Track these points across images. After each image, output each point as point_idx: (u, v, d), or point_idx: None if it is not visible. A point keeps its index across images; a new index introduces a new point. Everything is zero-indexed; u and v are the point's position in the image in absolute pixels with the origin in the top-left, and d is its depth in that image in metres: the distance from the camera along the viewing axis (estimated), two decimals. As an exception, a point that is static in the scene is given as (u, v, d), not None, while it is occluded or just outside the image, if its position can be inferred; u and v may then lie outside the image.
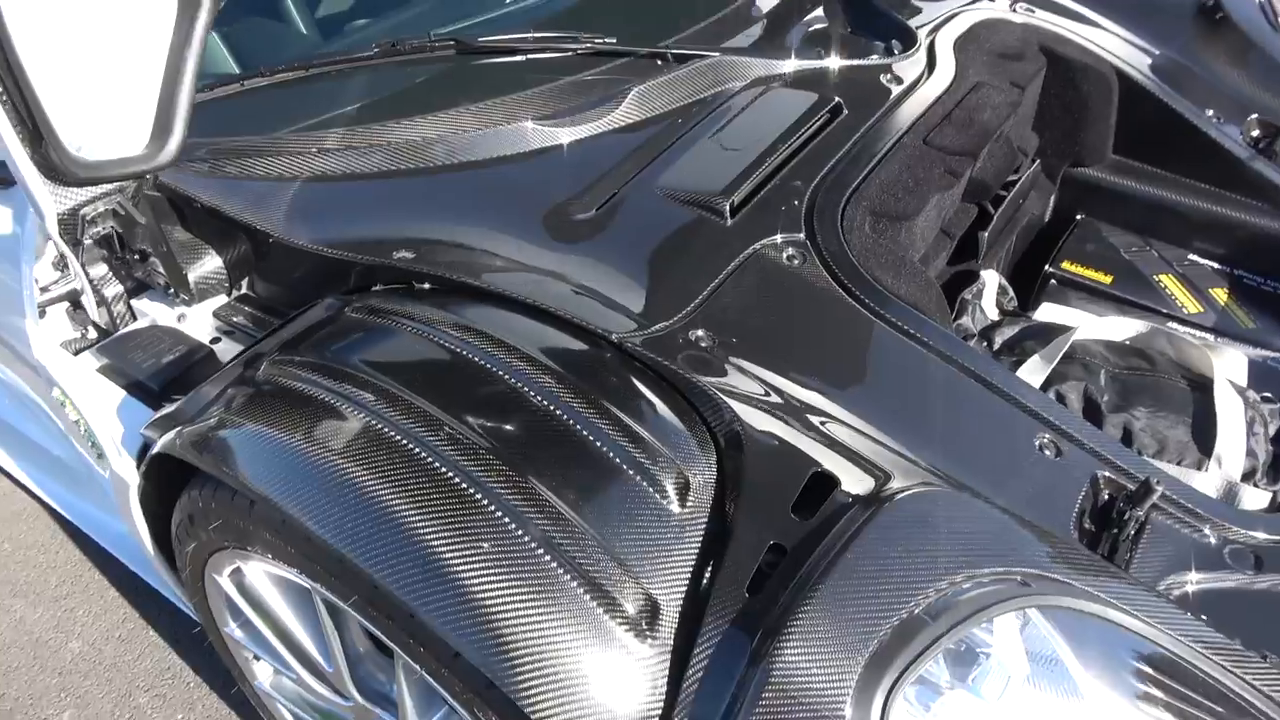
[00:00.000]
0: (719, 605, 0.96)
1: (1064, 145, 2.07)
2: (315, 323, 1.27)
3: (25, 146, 0.99)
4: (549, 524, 0.98)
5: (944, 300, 1.42)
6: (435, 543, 0.96)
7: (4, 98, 0.94)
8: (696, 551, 1.02)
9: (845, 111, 1.67)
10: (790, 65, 1.77)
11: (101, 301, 1.53)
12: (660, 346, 1.20)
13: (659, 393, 1.16)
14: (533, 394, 1.09)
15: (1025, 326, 1.63)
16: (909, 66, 1.83)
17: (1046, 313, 1.76)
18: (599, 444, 1.05)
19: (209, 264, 1.51)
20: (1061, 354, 1.51)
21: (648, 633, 0.95)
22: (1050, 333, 1.59)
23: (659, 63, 1.70)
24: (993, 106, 1.73)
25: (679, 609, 0.98)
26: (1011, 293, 1.76)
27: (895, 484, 1.07)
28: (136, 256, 1.46)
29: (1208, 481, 1.34)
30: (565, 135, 1.56)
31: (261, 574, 1.28)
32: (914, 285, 1.37)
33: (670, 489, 1.04)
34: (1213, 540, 1.21)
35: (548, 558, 0.96)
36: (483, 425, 1.05)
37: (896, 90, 1.75)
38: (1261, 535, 1.22)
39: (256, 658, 1.51)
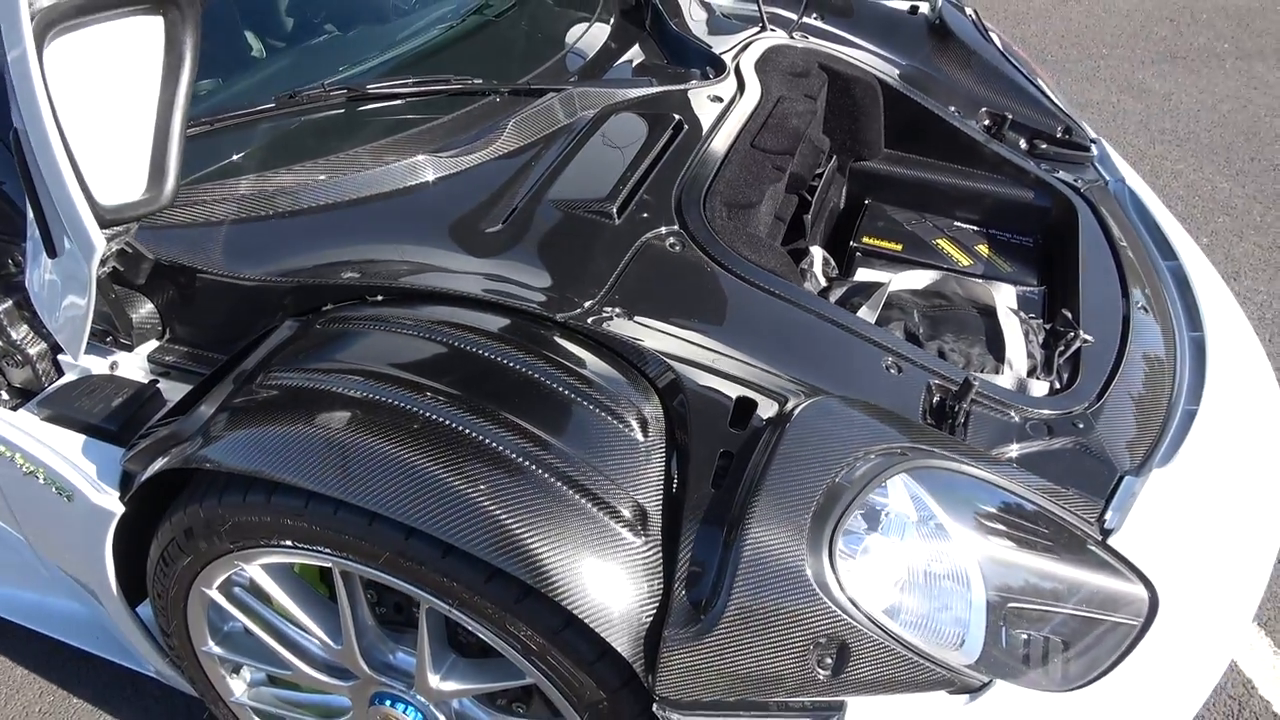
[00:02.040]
0: (693, 504, 1.23)
1: (848, 144, 2.52)
2: (288, 338, 1.43)
3: (82, 193, 1.10)
4: (550, 457, 1.21)
5: (795, 268, 1.77)
6: (459, 485, 1.17)
7: (63, 148, 1.06)
8: (663, 467, 1.28)
9: (685, 127, 2.00)
10: (631, 93, 2.08)
11: (25, 361, 1.59)
12: (590, 321, 1.46)
13: (601, 355, 1.41)
14: (507, 361, 1.32)
15: (850, 286, 2.01)
16: (724, 88, 2.20)
17: (863, 275, 2.16)
18: (572, 394, 1.30)
19: (143, 309, 1.61)
20: (883, 302, 1.90)
21: (642, 531, 1.21)
22: (870, 289, 1.99)
23: (521, 97, 1.96)
24: (798, 114, 2.12)
25: (660, 511, 1.24)
26: (833, 263, 2.15)
27: (794, 400, 1.39)
28: (70, 310, 1.54)
29: (1005, 380, 1.76)
30: (460, 163, 1.78)
31: (261, 571, 1.41)
32: (771, 257, 1.71)
33: (634, 423, 1.30)
34: (1016, 419, 1.61)
35: (555, 481, 1.19)
36: (473, 389, 1.27)
37: (719, 107, 2.11)
38: (1047, 411, 1.64)
39: (235, 670, 1.61)
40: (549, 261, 1.62)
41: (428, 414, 1.23)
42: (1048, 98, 2.63)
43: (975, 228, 2.46)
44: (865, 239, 2.36)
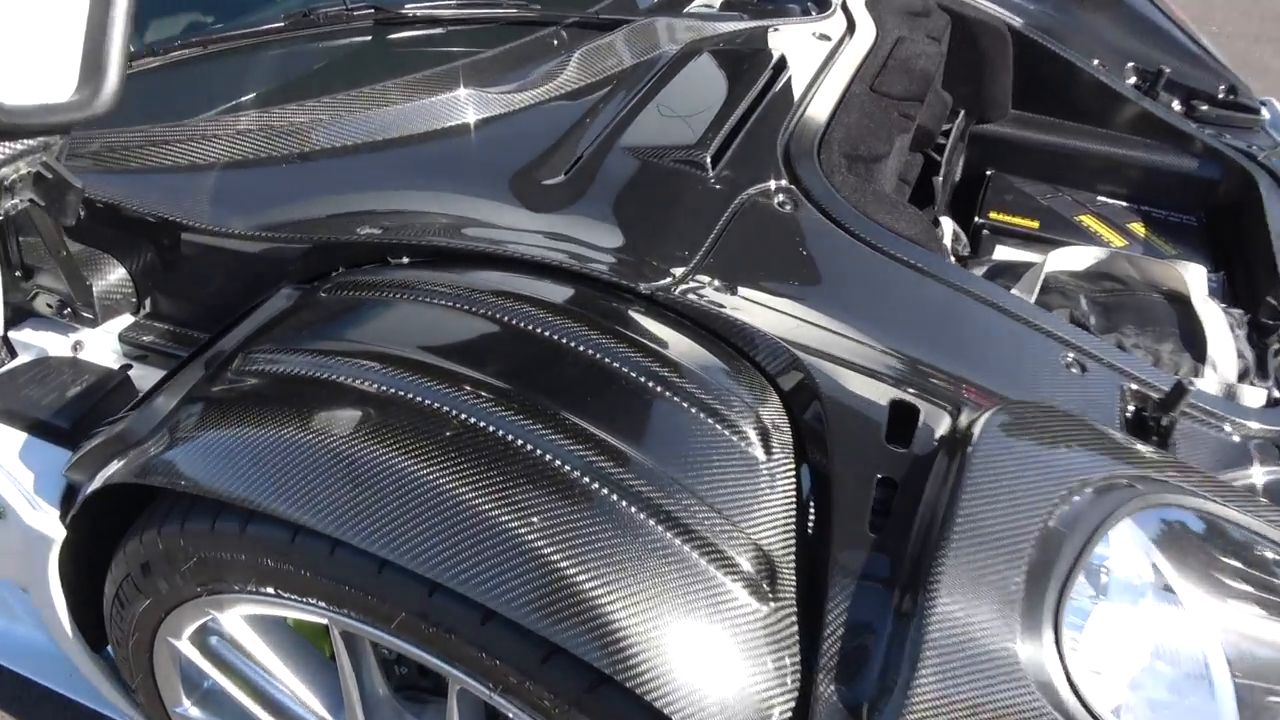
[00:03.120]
0: (842, 554, 0.85)
1: (970, 103, 2.11)
2: (283, 310, 1.07)
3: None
4: (637, 481, 0.84)
5: (938, 237, 1.38)
6: (506, 520, 0.81)
7: None
8: (792, 497, 0.90)
9: (787, 67, 1.62)
10: (720, 27, 1.71)
11: (-34, 339, 1.26)
12: (684, 294, 1.09)
13: (702, 340, 1.04)
14: (575, 344, 0.95)
15: (991, 265, 1.62)
16: (831, 25, 1.81)
17: (1002, 254, 1.77)
18: (664, 391, 0.93)
19: (111, 276, 1.27)
20: (1039, 285, 1.50)
21: (769, 593, 0.83)
22: (1017, 269, 1.59)
23: (588, 30, 1.60)
24: (925, 55, 1.73)
25: (793, 564, 0.86)
26: (964, 239, 1.75)
27: (970, 408, 1.00)
28: (18, 274, 1.21)
29: (1208, 386, 1.36)
30: (512, 102, 1.42)
31: (241, 621, 1.06)
32: (909, 222, 1.32)
33: (751, 433, 0.93)
34: (1234, 437, 1.21)
35: (646, 517, 0.82)
36: (529, 381, 0.90)
37: (827, 46, 1.72)
38: (1273, 427, 1.24)
39: (218, 737, 1.26)
40: (623, 221, 1.25)
41: (466, 415, 0.87)
42: (1207, 52, 2.22)
43: (1124, 203, 2.05)
44: (992, 214, 1.97)
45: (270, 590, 0.94)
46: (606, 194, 1.29)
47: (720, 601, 0.81)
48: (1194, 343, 1.41)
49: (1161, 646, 0.94)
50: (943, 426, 0.96)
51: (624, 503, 0.83)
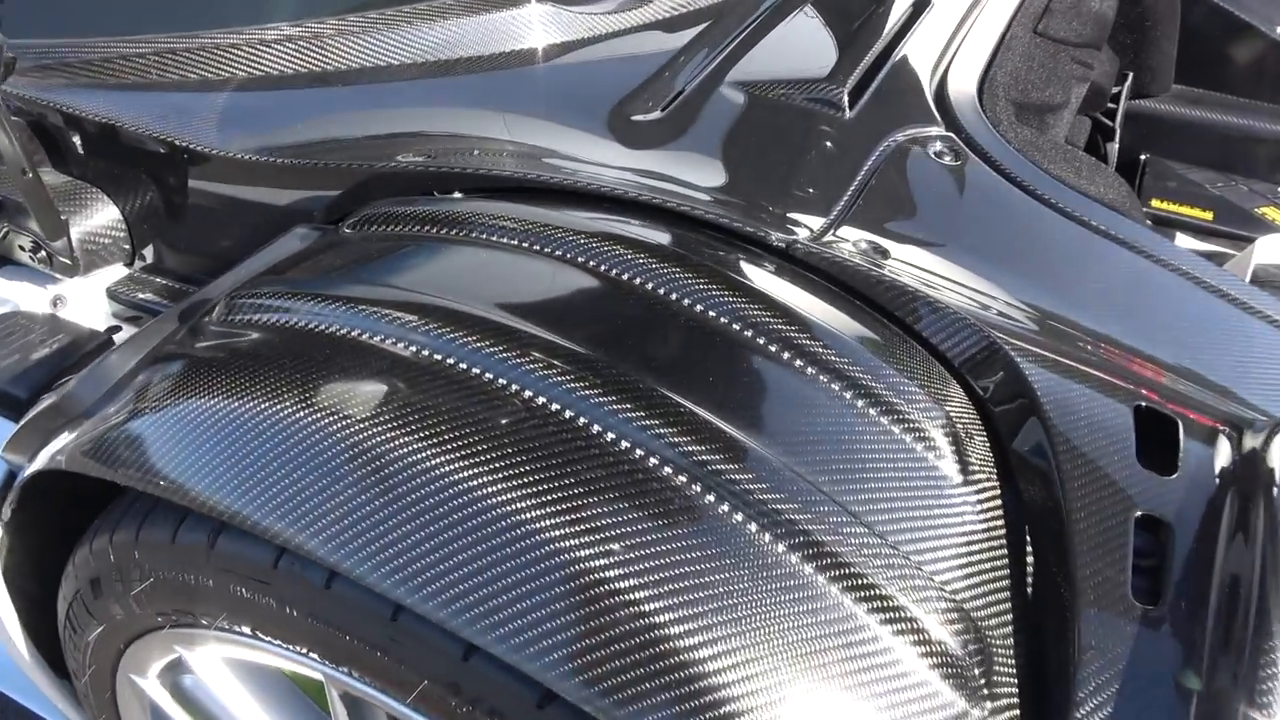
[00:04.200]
0: (1093, 630, 0.55)
1: (1127, 70, 1.80)
2: (295, 252, 0.81)
3: None
4: (775, 498, 0.56)
5: (1139, 205, 1.08)
6: (585, 558, 0.53)
7: None
8: (1002, 539, 0.61)
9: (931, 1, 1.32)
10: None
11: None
12: (824, 252, 0.80)
13: (854, 311, 0.75)
14: (694, 305, 0.67)
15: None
16: (978, -37, 1.51)
17: (1184, 242, 1.45)
18: (818, 374, 0.64)
19: (100, 216, 1.03)
20: (1249, 276, 1.19)
21: (980, 683, 0.54)
22: (1213, 259, 1.27)
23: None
24: (1097, -2, 1.43)
25: (1011, 639, 0.57)
26: (1136, 222, 1.43)
27: (1244, 427, 0.70)
28: (-18, 205, 0.98)
29: None
30: (596, 26, 1.16)
31: (220, 663, 0.79)
32: (1108, 186, 1.03)
33: (942, 443, 0.63)
34: None
35: (790, 554, 0.53)
36: (627, 355, 0.63)
37: (977, -17, 1.43)
38: None
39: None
40: (736, 165, 0.97)
41: (532, 392, 0.59)
42: None
43: (1314, 196, 1.71)
44: (1155, 203, 1.65)
45: (246, 630, 0.67)
46: (714, 134, 1.02)
47: (901, 693, 0.52)
48: None
49: None
50: (1220, 448, 0.66)
51: (756, 528, 0.55)
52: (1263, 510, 0.57)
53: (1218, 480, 0.62)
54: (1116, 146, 1.40)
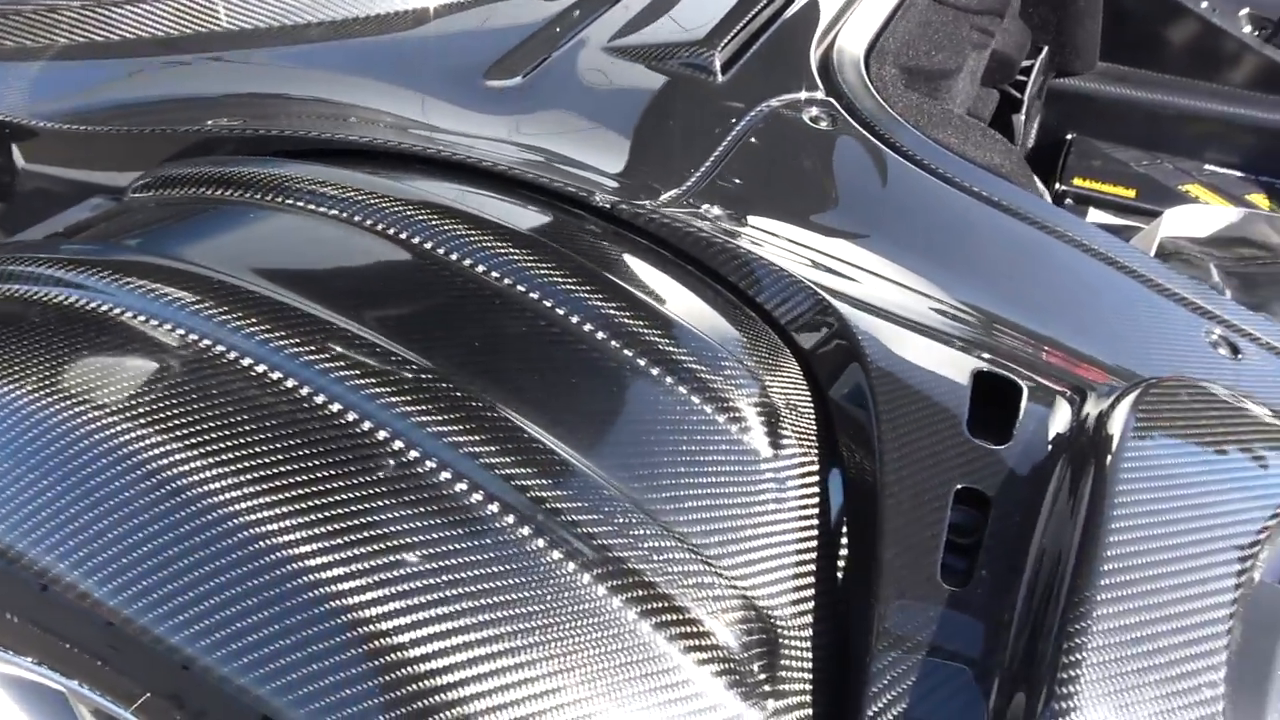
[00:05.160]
0: (894, 614, 0.49)
1: (1050, 48, 1.75)
2: (77, 222, 0.74)
3: None
4: (557, 497, 0.49)
5: (1030, 174, 1.03)
6: (323, 567, 0.46)
7: None
8: (813, 518, 0.55)
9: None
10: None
11: None
12: (665, 219, 0.74)
13: (687, 279, 0.69)
14: (504, 280, 0.60)
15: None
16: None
17: (1097, 217, 1.41)
18: (624, 351, 0.58)
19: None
20: (1155, 249, 1.14)
21: (760, 680, 0.48)
22: (1121, 232, 1.23)
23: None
24: (1003, -36, 1.38)
25: (808, 628, 0.51)
26: (1048, 195, 1.39)
27: (1101, 390, 0.64)
28: None
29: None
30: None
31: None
32: (993, 150, 0.97)
33: (753, 420, 0.57)
34: None
35: (570, 566, 0.47)
36: (424, 341, 0.56)
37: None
38: None
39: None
40: (596, 133, 0.92)
41: (302, 387, 0.53)
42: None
43: (1238, 172, 1.68)
44: (1078, 180, 1.61)
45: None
46: (576, 100, 0.96)
47: (658, 694, 0.46)
48: (1373, 327, 1.04)
49: None
50: (1058, 414, 0.60)
51: (512, 519, 0.48)
52: (1091, 480, 0.51)
53: (1050, 449, 0.57)
54: (1023, 118, 1.35)
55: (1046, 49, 1.60)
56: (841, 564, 0.54)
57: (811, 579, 0.52)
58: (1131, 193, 1.58)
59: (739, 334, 0.64)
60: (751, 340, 0.64)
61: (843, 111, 0.98)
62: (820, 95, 1.00)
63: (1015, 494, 0.54)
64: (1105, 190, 1.59)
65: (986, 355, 0.66)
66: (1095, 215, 1.44)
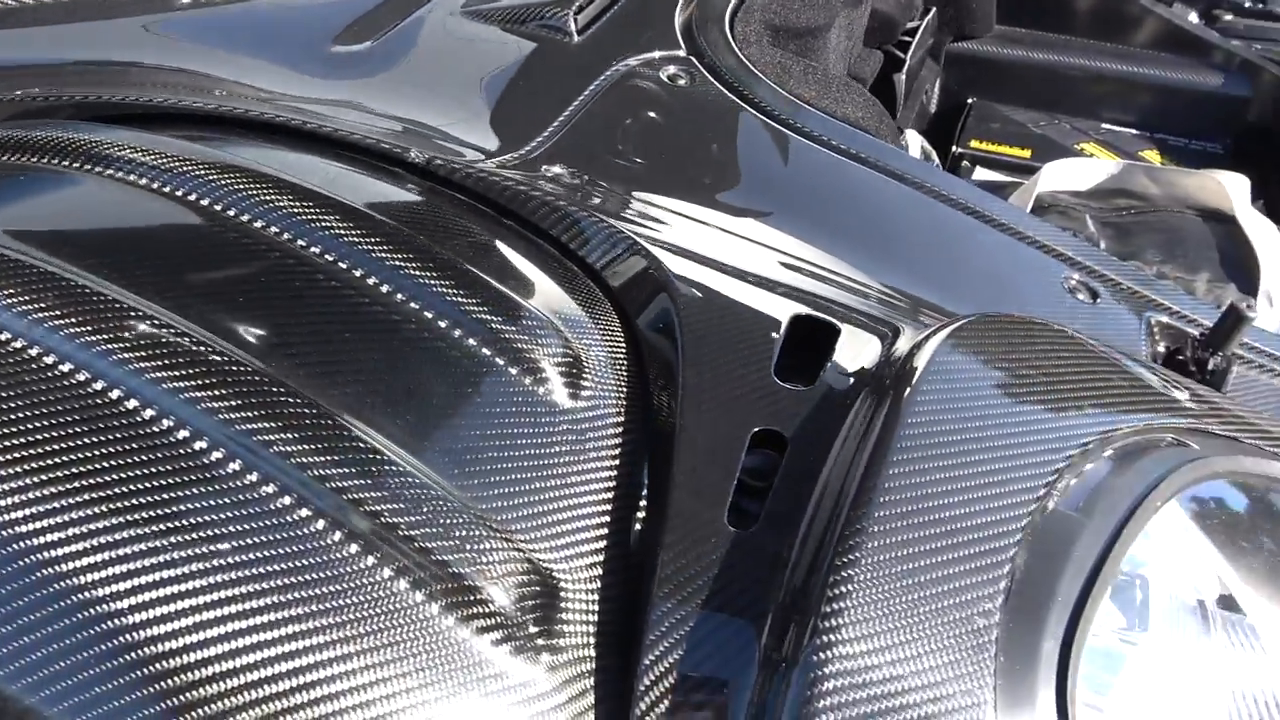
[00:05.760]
0: (676, 561, 0.47)
1: (945, 15, 1.75)
2: None
3: None
4: (327, 464, 0.47)
5: (894, 126, 1.02)
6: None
7: None
8: (617, 471, 0.53)
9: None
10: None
11: None
12: (503, 183, 0.72)
13: (500, 235, 0.67)
14: (299, 241, 0.57)
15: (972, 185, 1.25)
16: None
17: (982, 175, 1.41)
18: (421, 309, 0.55)
19: None
20: (1032, 203, 1.14)
21: (533, 637, 0.46)
22: (1002, 189, 1.23)
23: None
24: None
25: (595, 582, 0.49)
26: (937, 160, 1.38)
27: (914, 328, 0.63)
28: None
29: (1265, 323, 0.99)
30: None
31: None
32: (853, 104, 0.96)
33: (553, 373, 0.55)
34: None
35: (336, 536, 0.45)
36: (195, 302, 0.53)
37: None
38: None
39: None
40: (444, 97, 0.89)
41: (65, 358, 0.49)
42: (1229, -46, 1.86)
43: (1134, 130, 1.69)
44: (974, 143, 1.61)
45: None
46: (425, 64, 0.93)
47: (436, 664, 0.43)
48: (1240, 271, 1.05)
49: (1241, 700, 0.58)
50: (870, 354, 0.59)
51: (306, 513, 0.45)
52: (884, 414, 0.50)
53: (855, 389, 0.55)
54: (903, 78, 1.34)
55: (934, 10, 1.60)
56: (640, 514, 0.52)
57: (605, 531, 0.51)
58: (1027, 153, 1.58)
59: (550, 287, 0.62)
60: (563, 293, 0.62)
61: (701, 69, 0.96)
62: (681, 54, 0.99)
63: (813, 434, 0.52)
64: (1001, 151, 1.59)
65: (814, 301, 0.65)
66: (981, 173, 1.43)
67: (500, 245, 0.64)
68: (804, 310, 0.61)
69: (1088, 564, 0.45)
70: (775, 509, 0.49)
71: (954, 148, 1.60)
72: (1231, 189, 1.12)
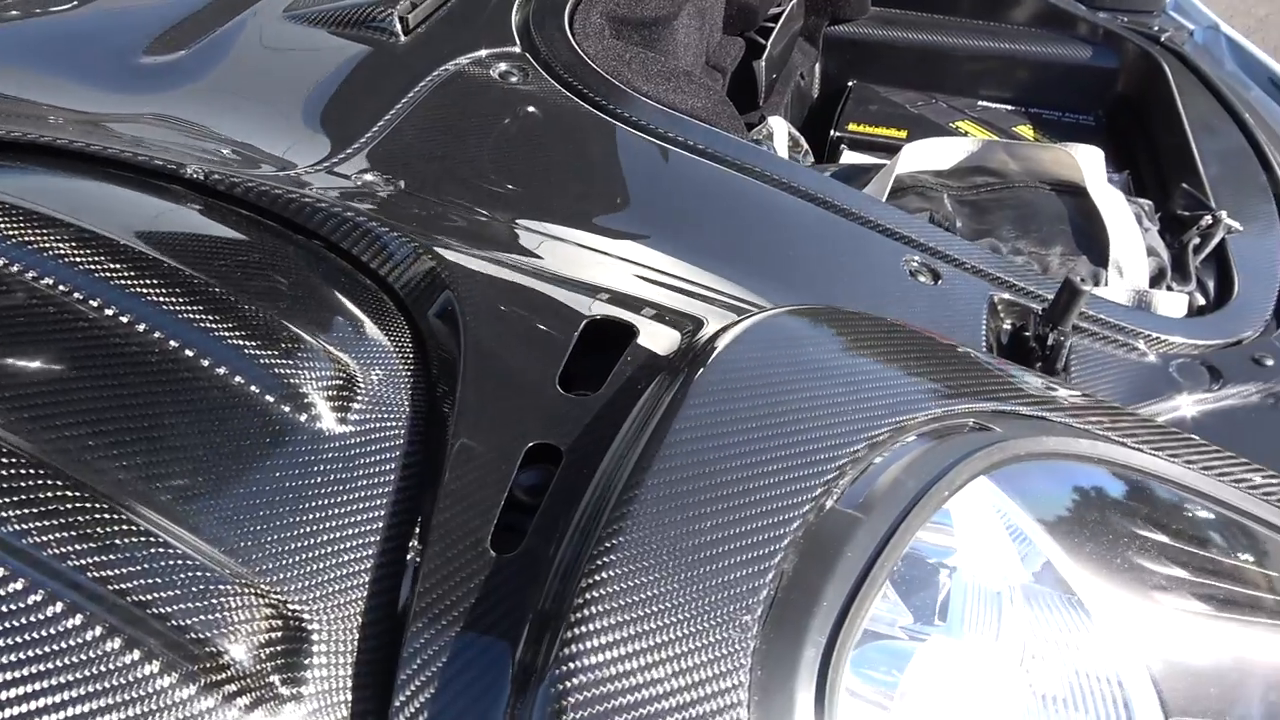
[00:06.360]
0: (432, 594, 0.45)
1: (819, -1, 1.75)
2: None
3: None
4: (50, 529, 0.43)
5: (738, 118, 1.00)
6: None
7: None
8: (385, 495, 0.50)
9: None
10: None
11: None
12: (287, 195, 0.68)
13: (284, 253, 0.63)
14: (36, 274, 0.53)
15: (835, 171, 1.25)
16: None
17: (850, 159, 1.40)
18: (176, 345, 0.51)
19: None
20: (890, 187, 1.13)
21: (281, 690, 0.43)
22: (865, 174, 1.22)
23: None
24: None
25: (351, 624, 0.46)
26: (806, 146, 1.38)
27: (715, 320, 0.61)
28: None
29: (1114, 295, 1.00)
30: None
31: None
32: (694, 95, 0.94)
33: (314, 394, 0.52)
34: (1153, 357, 0.87)
35: (54, 609, 0.41)
36: None
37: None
38: (1200, 341, 0.90)
39: None
40: (263, 105, 0.85)
41: None
42: (1094, -72, 1.89)
43: (1008, 107, 1.71)
44: (852, 126, 1.61)
45: None
46: (242, 73, 0.89)
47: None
48: (1092, 243, 1.06)
49: (1052, 689, 0.57)
50: (665, 346, 0.57)
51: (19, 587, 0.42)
52: (657, 417, 0.48)
53: (639, 391, 0.53)
54: (763, 65, 1.33)
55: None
56: (413, 544, 0.50)
57: (369, 566, 0.48)
58: (903, 134, 1.59)
59: (327, 304, 0.58)
60: (344, 309, 0.58)
61: (535, 65, 0.93)
62: (516, 50, 0.96)
63: (591, 444, 0.50)
64: (878, 133, 1.59)
65: (626, 299, 0.63)
66: (849, 156, 1.43)
67: (275, 263, 0.60)
68: (602, 312, 0.59)
69: (858, 565, 0.43)
70: (542, 526, 0.46)
71: (833, 131, 1.60)
72: (1084, 161, 1.12)
